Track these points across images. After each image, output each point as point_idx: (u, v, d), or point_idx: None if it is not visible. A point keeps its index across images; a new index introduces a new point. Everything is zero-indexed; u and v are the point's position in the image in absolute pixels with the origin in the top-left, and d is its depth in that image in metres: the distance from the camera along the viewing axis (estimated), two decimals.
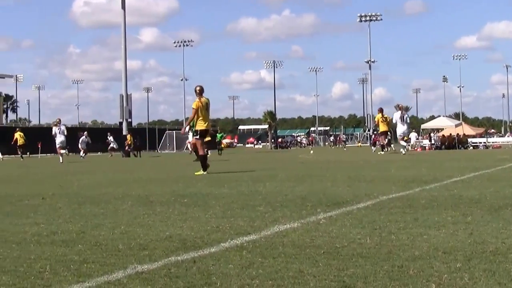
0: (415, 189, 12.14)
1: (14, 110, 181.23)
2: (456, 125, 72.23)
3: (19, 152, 48.63)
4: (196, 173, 19.11)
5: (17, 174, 22.99)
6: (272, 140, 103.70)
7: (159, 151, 52.98)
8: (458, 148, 59.84)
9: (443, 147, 61.31)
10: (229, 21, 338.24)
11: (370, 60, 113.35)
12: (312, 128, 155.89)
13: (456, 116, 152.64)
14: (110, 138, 54.91)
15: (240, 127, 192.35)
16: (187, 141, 49.21)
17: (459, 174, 16.36)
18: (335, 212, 8.76)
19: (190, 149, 49.60)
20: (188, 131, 48.09)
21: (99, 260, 5.77)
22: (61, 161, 35.14)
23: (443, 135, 67.06)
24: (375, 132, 73.40)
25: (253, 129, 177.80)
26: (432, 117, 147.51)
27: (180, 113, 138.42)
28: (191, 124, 21.08)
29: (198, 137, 19.72)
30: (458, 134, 65.01)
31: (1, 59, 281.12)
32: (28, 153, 50.23)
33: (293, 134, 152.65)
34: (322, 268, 5.21)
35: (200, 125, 19.48)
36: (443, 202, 9.76)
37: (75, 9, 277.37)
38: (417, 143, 62.67)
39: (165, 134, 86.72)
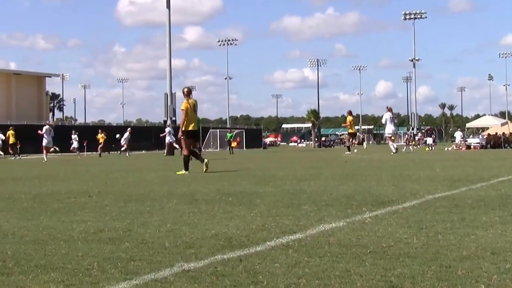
0: (461, 188, 12.04)
1: (61, 108, 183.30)
2: (502, 124, 71.36)
3: (11, 151, 48.20)
4: (177, 173, 19.32)
5: (64, 171, 23.22)
6: (316, 139, 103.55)
7: (203, 150, 53.15)
8: (504, 147, 59.18)
9: (488, 146, 60.71)
10: (273, 20, 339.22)
11: (414, 58, 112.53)
12: (356, 127, 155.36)
13: (502, 115, 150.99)
14: (74, 137, 51.99)
15: (284, 125, 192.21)
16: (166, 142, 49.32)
17: (506, 174, 16.19)
18: (380, 211, 8.71)
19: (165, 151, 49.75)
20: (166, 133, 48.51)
21: (146, 258, 5.80)
22: (45, 160, 37.72)
23: (488, 134, 66.39)
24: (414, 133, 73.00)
25: (297, 127, 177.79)
26: (477, 116, 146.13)
27: (224, 111, 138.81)
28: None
29: (184, 137, 19.83)
30: (504, 133, 64.30)
31: (49, 58, 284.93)
32: (17, 153, 48.66)
33: (336, 132, 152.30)
34: (368, 268, 5.19)
35: (188, 126, 19.68)
36: (490, 202, 9.66)
37: (120, 9, 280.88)
38: (462, 142, 62.17)
39: (208, 133, 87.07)
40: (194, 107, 19.86)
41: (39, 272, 5.29)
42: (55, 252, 6.15)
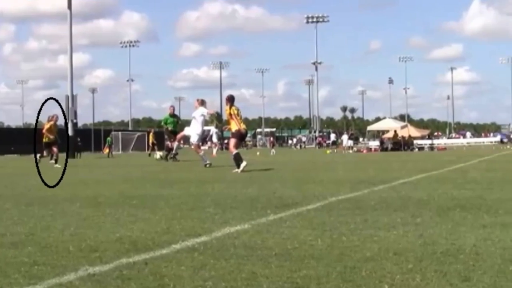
0: (364, 190, 12.22)
1: None
2: (402, 127, 72.86)
3: None
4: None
5: None
6: (219, 142, 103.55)
7: (103, 152, 52.78)
8: (404, 150, 60.41)
9: (388, 148, 61.91)
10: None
11: (316, 62, 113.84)
12: (258, 130, 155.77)
13: (402, 118, 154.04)
14: None
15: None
16: None
17: (407, 176, 16.53)
18: (285, 214, 8.78)
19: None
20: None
21: (49, 262, 5.70)
22: None
23: (388, 137, 67.74)
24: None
25: None
26: (378, 119, 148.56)
27: (126, 114, 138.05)
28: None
29: None
30: (403, 136, 65.63)
31: None
32: None
33: None
34: (274, 270, 5.22)
35: None
36: (392, 203, 9.84)
37: None
38: (364, 144, 63.26)
39: (110, 135, 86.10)
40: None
41: None
42: None
